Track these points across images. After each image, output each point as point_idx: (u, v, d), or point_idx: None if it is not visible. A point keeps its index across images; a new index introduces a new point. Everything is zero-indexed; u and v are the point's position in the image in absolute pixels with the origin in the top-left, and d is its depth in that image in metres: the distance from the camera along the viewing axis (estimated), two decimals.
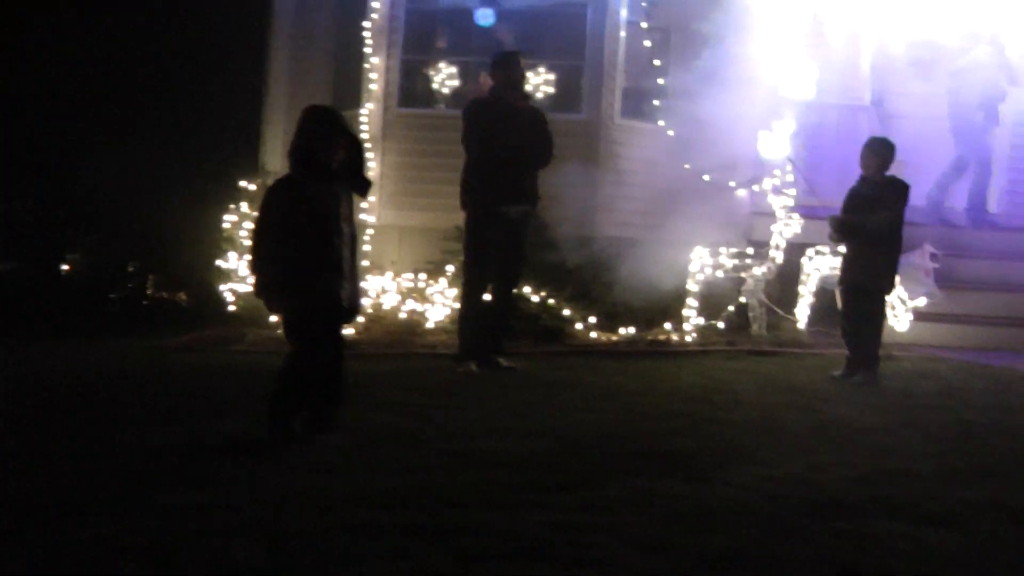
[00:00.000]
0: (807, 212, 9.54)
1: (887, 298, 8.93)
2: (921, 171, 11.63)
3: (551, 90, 10.50)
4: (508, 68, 7.61)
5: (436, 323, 9.15)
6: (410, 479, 4.35)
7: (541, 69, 10.40)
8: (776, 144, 9.89)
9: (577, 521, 3.78)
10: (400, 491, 4.13)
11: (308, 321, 4.93)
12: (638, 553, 3.47)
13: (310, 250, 4.87)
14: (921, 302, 9.24)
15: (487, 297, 7.57)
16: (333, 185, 4.93)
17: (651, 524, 3.80)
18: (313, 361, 4.94)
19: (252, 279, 5.27)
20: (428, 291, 9.37)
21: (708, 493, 4.26)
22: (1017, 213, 11.33)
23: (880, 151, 7.53)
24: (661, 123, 10.47)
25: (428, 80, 10.85)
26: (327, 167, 4.90)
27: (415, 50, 10.92)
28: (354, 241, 5.10)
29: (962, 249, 10.41)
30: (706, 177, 9.86)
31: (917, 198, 10.72)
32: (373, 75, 10.49)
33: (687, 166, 9.93)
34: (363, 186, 5.13)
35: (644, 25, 10.66)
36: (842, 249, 7.78)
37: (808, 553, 3.52)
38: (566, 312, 8.82)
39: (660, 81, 10.59)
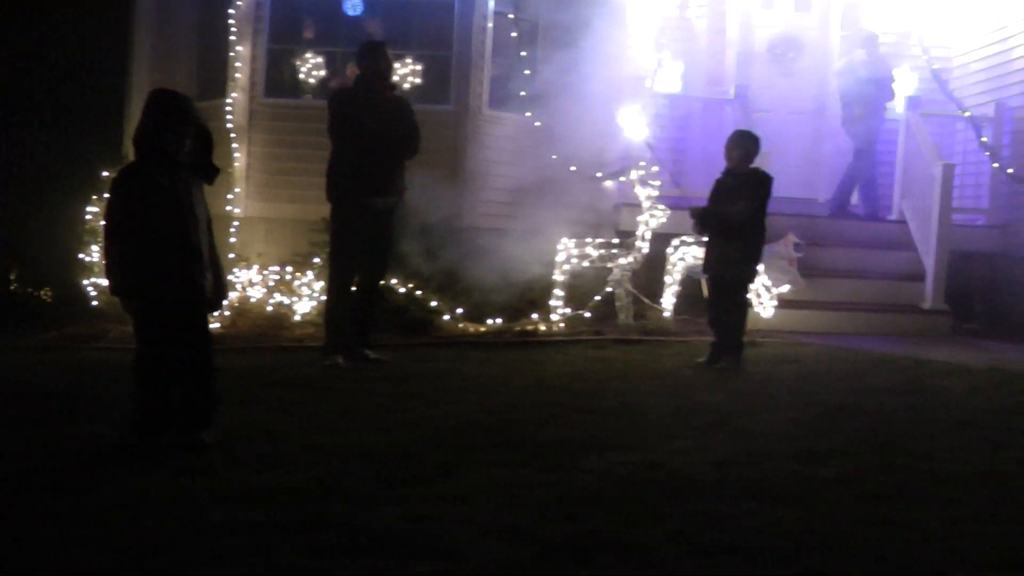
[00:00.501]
0: (673, 203, 9.67)
1: (752, 286, 9.15)
2: (785, 163, 11.95)
3: (419, 81, 10.44)
4: (375, 58, 7.51)
5: (303, 316, 9.03)
6: (272, 475, 4.26)
7: (408, 60, 10.34)
8: (638, 133, 10.03)
9: (434, 512, 3.75)
10: (261, 487, 4.04)
11: (160, 315, 4.67)
12: (494, 541, 3.45)
13: (165, 241, 4.60)
14: (785, 289, 9.47)
15: (354, 289, 7.48)
16: (181, 172, 4.70)
17: (508, 513, 3.78)
18: (159, 355, 4.71)
19: (107, 277, 4.84)
20: (295, 284, 9.23)
21: (566, 481, 4.26)
22: (872, 203, 11.68)
23: (743, 144, 7.66)
24: (529, 114, 10.51)
25: (295, 70, 10.69)
26: (172, 154, 4.64)
27: (282, 39, 10.74)
28: (210, 226, 4.86)
29: (824, 239, 10.69)
30: (573, 168, 9.93)
31: (777, 188, 11.04)
32: (238, 64, 10.29)
33: (555, 157, 9.99)
34: (210, 173, 4.87)
35: (512, 16, 10.69)
36: (706, 239, 7.90)
37: (661, 536, 3.55)
38: (433, 304, 8.78)
39: (528, 72, 10.63)
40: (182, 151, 4.68)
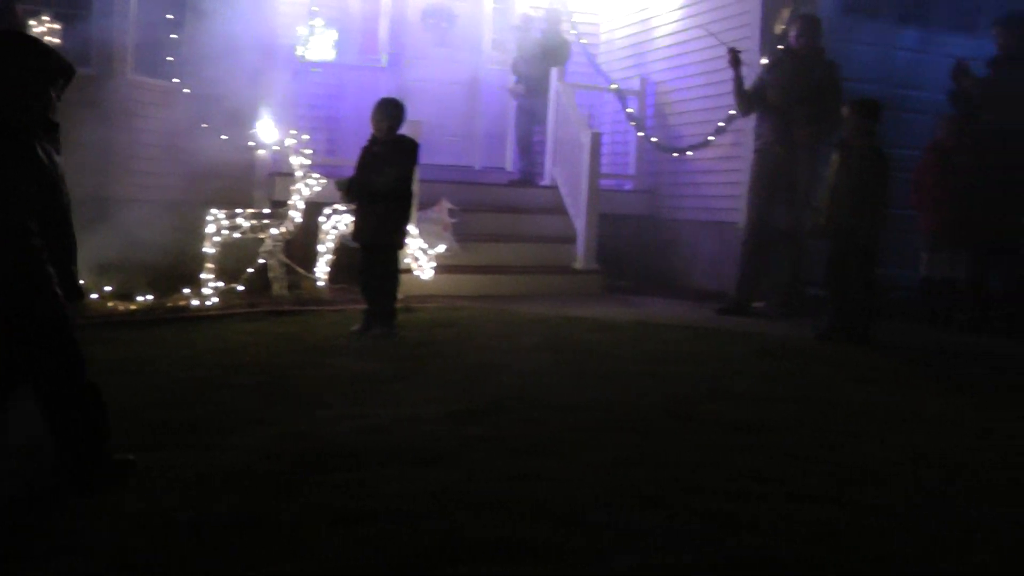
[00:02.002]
0: (327, 171, 9.54)
1: (408, 251, 9.19)
2: (441, 132, 12.10)
3: (57, 41, 9.66)
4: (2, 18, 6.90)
5: None
6: None
7: (45, 18, 9.55)
8: (284, 104, 9.84)
9: (77, 502, 3.49)
10: None
11: None
12: (128, 528, 3.24)
13: None
14: (442, 249, 9.59)
15: None
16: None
17: (143, 499, 3.54)
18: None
19: None
20: None
21: (210, 459, 4.05)
22: (528, 170, 12.06)
23: (390, 112, 7.59)
24: (177, 80, 10.02)
25: None
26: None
27: None
28: None
29: (480, 204, 10.90)
30: (224, 137, 9.56)
31: (434, 156, 11.16)
32: None
33: (205, 125, 9.57)
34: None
35: None
36: (357, 208, 7.81)
37: (300, 508, 3.44)
38: (80, 282, 8.19)
39: (176, 37, 10.12)
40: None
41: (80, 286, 3.96)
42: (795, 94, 8.99)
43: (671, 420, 4.98)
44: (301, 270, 9.34)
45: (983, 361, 7.24)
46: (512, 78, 12.22)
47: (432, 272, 9.46)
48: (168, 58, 10.10)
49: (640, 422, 4.90)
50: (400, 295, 7.91)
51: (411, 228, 8.94)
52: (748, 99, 9.38)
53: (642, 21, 12.38)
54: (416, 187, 8.53)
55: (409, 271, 9.28)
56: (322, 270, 9.27)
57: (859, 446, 4.61)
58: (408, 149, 7.60)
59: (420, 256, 9.41)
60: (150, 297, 8.37)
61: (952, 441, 4.80)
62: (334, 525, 3.29)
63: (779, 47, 9.51)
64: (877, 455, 4.45)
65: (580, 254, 10.65)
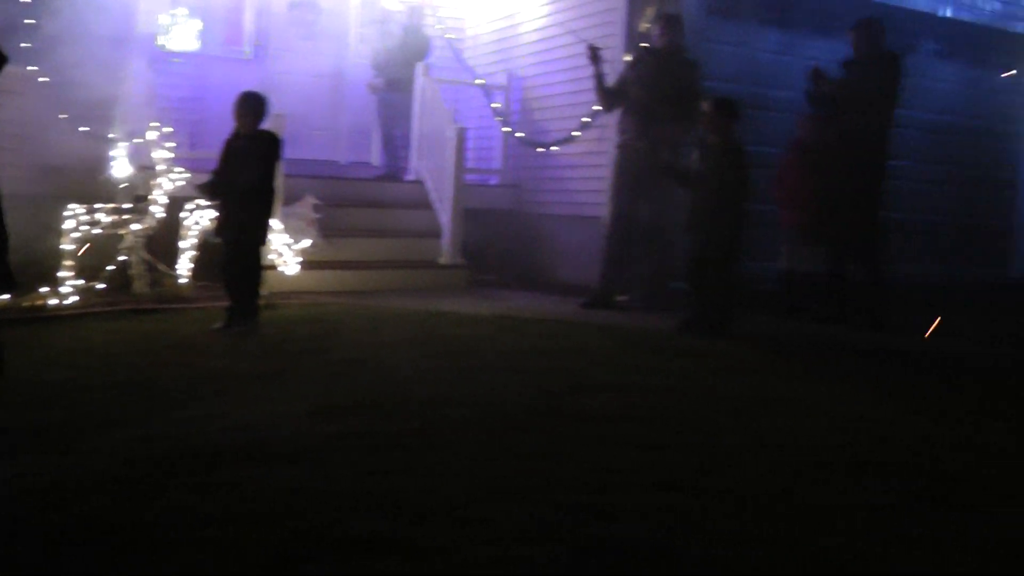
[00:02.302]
0: (191, 165, 9.38)
1: (273, 247, 9.11)
2: (306, 126, 12.02)
3: None
4: None
5: None
6: None
7: None
8: (145, 95, 9.64)
9: None
10: None
11: None
12: None
13: None
14: (307, 244, 9.54)
15: None
16: None
17: None
18: None
19: None
20: None
21: (66, 465, 3.99)
22: (394, 165, 12.06)
23: (252, 105, 7.52)
24: (34, 68, 9.71)
25: None
26: None
27: None
28: None
29: (345, 199, 10.87)
30: (84, 128, 9.33)
31: (299, 150, 11.08)
32: None
33: (63, 116, 9.32)
34: None
35: None
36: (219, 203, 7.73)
37: (159, 511, 3.42)
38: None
39: (31, 22, 9.79)
40: None
41: (13, 277, 4.01)
42: (656, 92, 9.21)
43: (534, 414, 5.08)
44: (163, 267, 9.17)
45: (841, 351, 7.56)
46: (373, 73, 12.19)
47: (297, 268, 9.40)
48: (23, 44, 9.78)
49: (503, 416, 4.99)
50: (264, 291, 7.86)
51: (275, 223, 8.86)
52: (610, 96, 9.58)
53: (508, 16, 12.50)
54: (280, 182, 8.45)
55: (274, 267, 9.21)
56: (185, 267, 9.11)
57: (719, 434, 4.79)
58: (270, 144, 7.55)
59: (285, 251, 9.35)
60: (4, 296, 8.12)
61: (808, 426, 5.03)
62: (194, 528, 3.27)
63: (642, 45, 9.72)
64: (736, 443, 4.63)
65: (446, 249, 10.72)
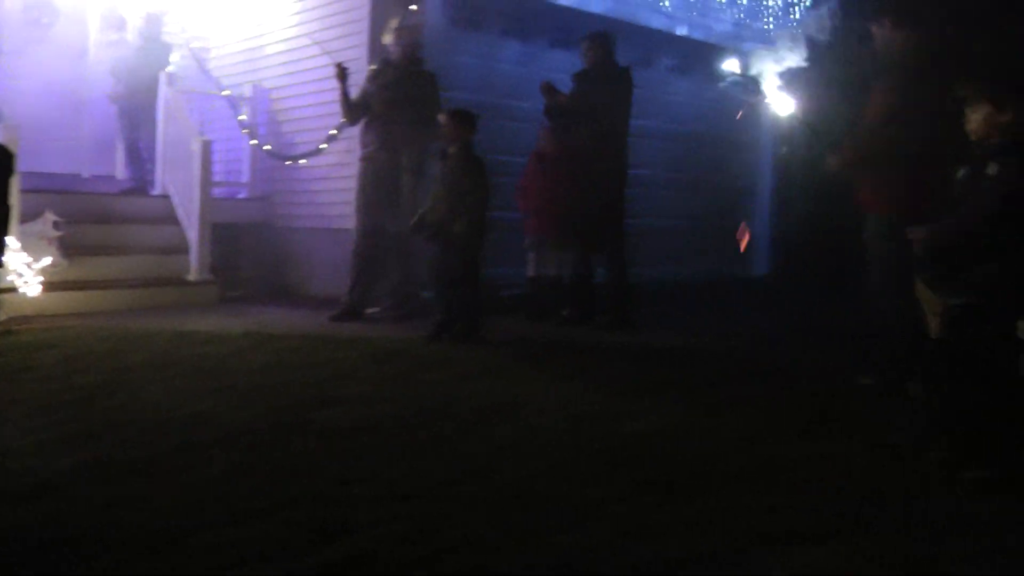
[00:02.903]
0: None
1: (11, 268, 8.78)
2: (43, 137, 11.59)
3: None
4: None
5: None
6: None
7: None
8: None
9: None
10: None
11: None
12: None
13: None
14: (48, 262, 9.24)
15: None
16: None
17: None
18: None
19: None
20: None
21: None
22: (140, 178, 11.80)
23: None
24: None
25: None
26: None
27: None
28: None
29: (88, 215, 10.56)
30: None
31: (37, 164, 10.68)
32: None
33: None
34: None
35: None
36: None
37: None
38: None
39: None
40: None
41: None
42: (396, 103, 9.42)
43: (282, 430, 5.19)
44: None
45: (588, 352, 7.99)
46: (113, 81, 11.88)
47: (39, 289, 9.09)
48: None
49: (248, 434, 5.07)
50: (2, 316, 7.59)
51: (12, 242, 8.55)
52: (353, 108, 9.72)
53: (255, 26, 12.41)
54: (15, 198, 8.14)
55: (13, 289, 8.88)
56: None
57: (465, 442, 5.03)
58: (2, 158, 7.29)
59: (24, 272, 9.02)
60: None
61: (547, 427, 5.39)
62: None
63: (383, 57, 9.91)
64: (482, 450, 4.89)
65: (194, 265, 10.59)
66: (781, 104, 6.71)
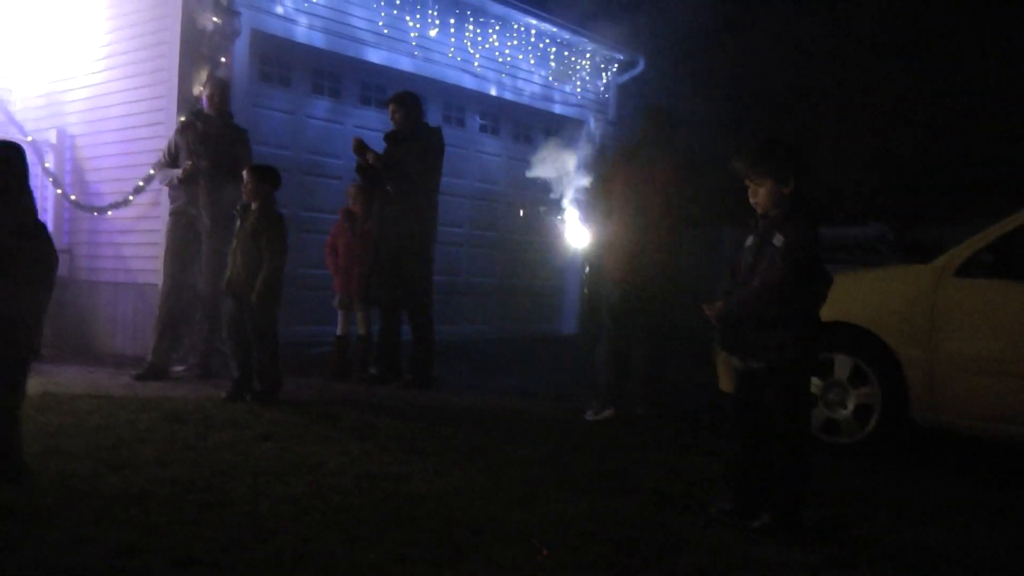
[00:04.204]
0: None
1: None
2: None
3: None
4: None
5: None
6: None
7: None
8: None
9: None
10: None
11: None
12: None
13: None
14: None
15: None
16: None
17: None
18: None
19: None
20: None
21: None
22: None
23: None
24: None
25: None
26: None
27: None
28: None
29: None
30: None
31: None
32: None
33: None
34: None
35: None
36: None
37: None
38: None
39: None
40: None
41: None
42: (204, 157, 9.38)
43: (71, 497, 5.08)
44: None
45: (386, 411, 8.11)
46: None
47: None
48: None
49: (26, 506, 4.90)
50: None
51: None
52: (166, 167, 9.65)
53: (62, 69, 12.03)
54: None
55: None
56: None
57: (255, 503, 5.07)
58: None
59: None
60: None
61: (339, 487, 5.47)
62: None
63: (192, 110, 9.86)
64: (271, 511, 4.92)
65: None
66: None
